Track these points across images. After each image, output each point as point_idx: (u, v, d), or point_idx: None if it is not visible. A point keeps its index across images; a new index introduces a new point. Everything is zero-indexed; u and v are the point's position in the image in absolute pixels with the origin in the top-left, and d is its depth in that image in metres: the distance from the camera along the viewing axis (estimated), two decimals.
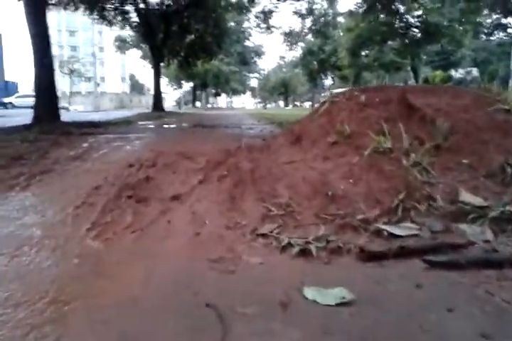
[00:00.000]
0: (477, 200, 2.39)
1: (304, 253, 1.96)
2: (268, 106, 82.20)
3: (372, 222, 2.25)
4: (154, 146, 5.76)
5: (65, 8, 17.82)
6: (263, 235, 2.19)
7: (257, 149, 4.24)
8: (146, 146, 6.04)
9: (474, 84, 19.15)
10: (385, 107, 3.35)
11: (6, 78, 47.29)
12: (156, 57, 23.35)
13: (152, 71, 24.68)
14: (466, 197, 2.41)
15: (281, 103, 79.47)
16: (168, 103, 51.58)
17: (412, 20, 24.62)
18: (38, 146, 5.66)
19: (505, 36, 36.43)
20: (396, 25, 24.54)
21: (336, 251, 1.99)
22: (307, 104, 55.44)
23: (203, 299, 1.54)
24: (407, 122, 3.11)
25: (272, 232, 2.20)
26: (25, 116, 10.13)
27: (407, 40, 25.30)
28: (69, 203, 2.91)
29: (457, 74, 33.89)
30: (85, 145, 6.13)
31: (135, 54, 44.21)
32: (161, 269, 1.85)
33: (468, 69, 35.27)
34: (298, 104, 76.42)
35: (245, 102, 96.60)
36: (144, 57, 40.16)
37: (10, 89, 41.22)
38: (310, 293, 1.57)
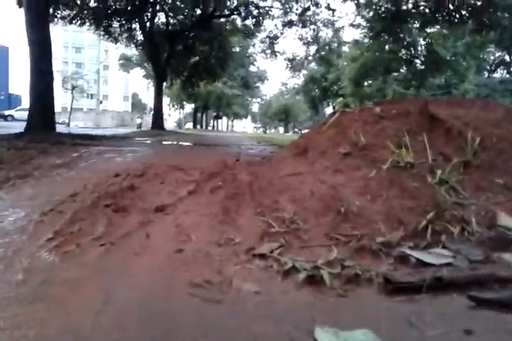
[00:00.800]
0: None
1: (313, 280, 1.53)
2: (268, 131, 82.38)
3: (395, 246, 1.83)
4: (147, 159, 5.39)
5: (70, 22, 17.67)
6: (261, 256, 1.76)
7: (257, 163, 3.87)
8: (138, 159, 5.66)
9: None
10: (404, 119, 2.98)
11: (11, 91, 47.50)
12: (159, 76, 23.26)
13: (154, 89, 24.57)
14: (507, 221, 2.01)
15: (281, 129, 79.62)
16: (169, 124, 51.50)
17: (419, 48, 24.69)
18: (24, 153, 5.32)
19: (507, 73, 36.77)
20: (402, 54, 24.61)
21: (353, 279, 1.56)
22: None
23: (175, 338, 1.11)
24: (429, 135, 2.74)
25: (272, 253, 1.77)
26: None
27: (412, 70, 25.29)
28: (36, 209, 2.51)
29: None
30: (75, 154, 5.77)
31: (139, 73, 44.35)
32: (125, 293, 1.40)
33: None
34: (297, 130, 76.64)
35: (246, 126, 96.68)
36: (146, 76, 40.27)
37: (13, 101, 41.27)
38: (324, 335, 1.14)
